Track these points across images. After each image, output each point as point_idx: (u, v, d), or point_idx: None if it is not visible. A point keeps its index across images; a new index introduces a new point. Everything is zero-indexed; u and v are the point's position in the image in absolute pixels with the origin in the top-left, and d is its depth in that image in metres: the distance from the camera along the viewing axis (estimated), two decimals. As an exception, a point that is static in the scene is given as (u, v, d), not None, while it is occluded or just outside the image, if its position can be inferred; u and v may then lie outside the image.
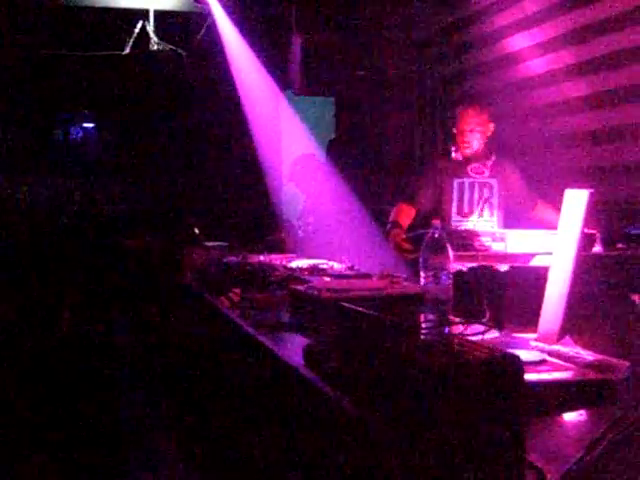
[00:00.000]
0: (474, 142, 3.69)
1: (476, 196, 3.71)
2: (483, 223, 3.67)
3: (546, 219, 3.46)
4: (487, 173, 3.72)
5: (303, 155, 5.48)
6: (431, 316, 2.02)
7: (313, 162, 5.37)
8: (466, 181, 3.73)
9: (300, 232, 5.27)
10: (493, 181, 3.70)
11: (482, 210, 3.70)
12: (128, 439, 3.86)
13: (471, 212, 3.71)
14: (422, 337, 1.84)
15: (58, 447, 3.60)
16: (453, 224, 3.68)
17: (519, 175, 3.76)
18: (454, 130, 3.76)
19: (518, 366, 1.03)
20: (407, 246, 3.38)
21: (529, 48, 4.21)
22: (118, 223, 8.23)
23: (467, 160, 3.73)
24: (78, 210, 8.95)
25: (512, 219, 3.68)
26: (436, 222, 2.06)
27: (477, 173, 3.73)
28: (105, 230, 7.89)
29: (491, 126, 3.72)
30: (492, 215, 3.70)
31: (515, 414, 1.02)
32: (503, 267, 2.63)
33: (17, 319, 5.49)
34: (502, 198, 3.71)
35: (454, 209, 3.73)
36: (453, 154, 3.78)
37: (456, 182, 3.73)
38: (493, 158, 3.74)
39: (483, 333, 2.10)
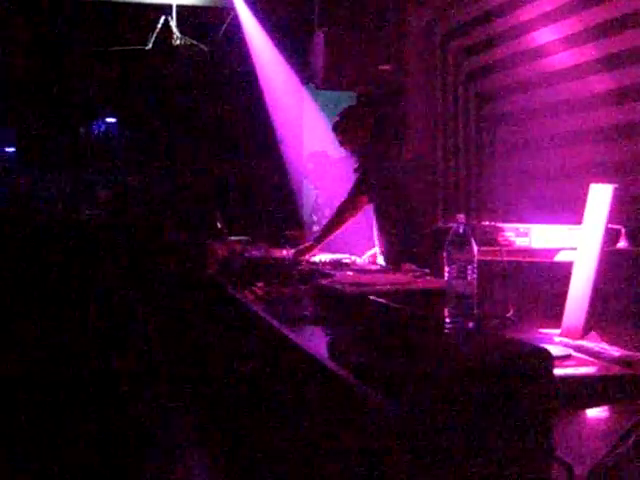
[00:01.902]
0: (346, 147, 4.11)
1: None
2: None
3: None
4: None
5: (315, 152, 5.57)
6: (455, 311, 2.02)
7: (324, 159, 5.46)
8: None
9: (315, 226, 5.32)
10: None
11: None
12: (148, 434, 3.89)
13: None
14: (447, 331, 1.85)
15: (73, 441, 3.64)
16: None
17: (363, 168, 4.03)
18: None
19: (548, 359, 1.03)
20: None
21: (554, 42, 4.18)
22: (141, 218, 8.29)
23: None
24: (101, 205, 9.03)
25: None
26: (460, 217, 2.06)
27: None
28: (129, 225, 7.95)
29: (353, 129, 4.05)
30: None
31: (544, 408, 1.02)
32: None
33: (43, 314, 5.55)
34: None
35: None
36: None
37: None
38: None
39: (507, 328, 2.11)
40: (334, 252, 3.88)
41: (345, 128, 4.06)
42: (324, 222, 5.22)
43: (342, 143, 4.11)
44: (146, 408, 4.16)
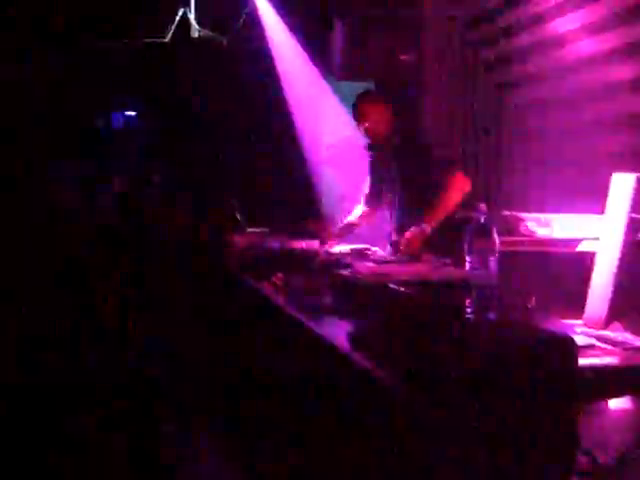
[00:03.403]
0: (368, 131, 3.81)
1: (379, 179, 3.93)
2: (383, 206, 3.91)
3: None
4: (387, 157, 3.84)
5: (336, 142, 5.56)
6: (476, 301, 2.01)
7: (348, 146, 5.43)
8: (374, 165, 3.98)
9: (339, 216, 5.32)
10: (393, 164, 3.81)
11: (382, 192, 3.91)
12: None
13: (373, 194, 3.99)
14: (468, 321, 1.84)
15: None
16: (365, 206, 4.03)
17: (420, 159, 3.72)
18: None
19: (572, 347, 1.02)
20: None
21: (575, 30, 4.14)
22: (161, 211, 8.29)
23: (373, 147, 3.93)
24: (121, 199, 9.02)
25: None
26: (482, 206, 2.05)
27: (378, 158, 3.92)
28: (149, 218, 7.95)
29: (378, 114, 3.79)
30: (393, 198, 3.83)
31: (568, 397, 1.01)
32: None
33: (60, 303, 5.58)
34: (404, 182, 3.76)
35: (367, 191, 4.03)
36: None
37: (369, 167, 4.03)
38: (396, 142, 3.80)
39: (529, 318, 2.09)
40: (352, 243, 3.88)
41: (365, 112, 3.83)
42: (346, 213, 5.22)
43: (365, 130, 3.85)
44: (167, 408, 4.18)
